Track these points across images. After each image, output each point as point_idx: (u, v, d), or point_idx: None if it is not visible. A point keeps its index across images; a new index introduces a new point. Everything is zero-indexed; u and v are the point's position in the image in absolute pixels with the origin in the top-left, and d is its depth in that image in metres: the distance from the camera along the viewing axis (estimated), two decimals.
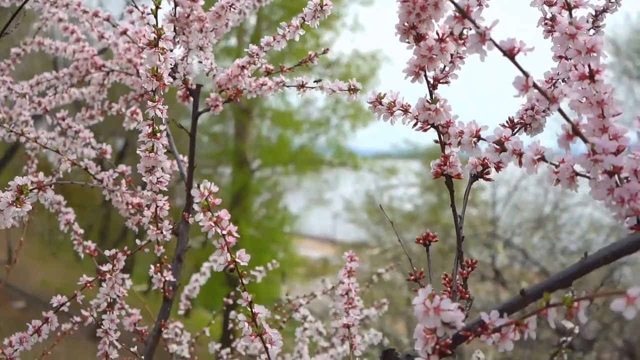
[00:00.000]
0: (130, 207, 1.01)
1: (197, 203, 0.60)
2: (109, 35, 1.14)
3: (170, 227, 0.90)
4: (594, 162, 0.50)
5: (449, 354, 0.56)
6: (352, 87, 0.83)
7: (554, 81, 0.68)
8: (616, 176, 0.52)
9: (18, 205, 0.67)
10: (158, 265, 0.95)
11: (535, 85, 0.50)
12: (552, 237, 6.82)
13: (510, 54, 0.50)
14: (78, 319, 1.16)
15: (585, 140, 0.51)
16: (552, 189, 7.79)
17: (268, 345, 0.64)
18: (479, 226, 7.48)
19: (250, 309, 0.64)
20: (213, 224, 0.61)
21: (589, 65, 0.53)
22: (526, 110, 0.68)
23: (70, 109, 1.30)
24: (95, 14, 1.09)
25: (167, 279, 0.96)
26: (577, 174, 0.54)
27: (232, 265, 0.63)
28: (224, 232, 0.62)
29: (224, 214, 0.62)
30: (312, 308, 1.63)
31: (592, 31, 0.71)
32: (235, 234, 0.62)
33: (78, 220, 1.12)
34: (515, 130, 0.68)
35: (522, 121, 0.68)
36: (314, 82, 0.92)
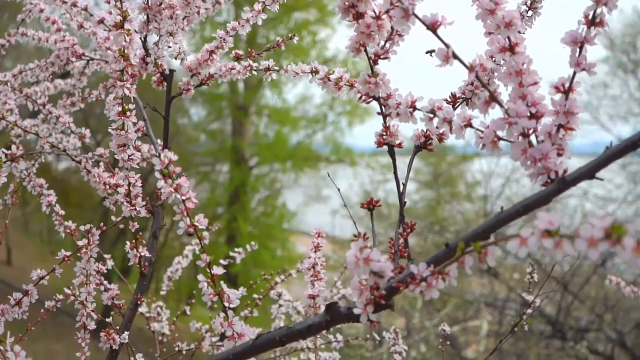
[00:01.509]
0: (107, 187, 1.06)
1: (157, 170, 0.65)
2: (88, 25, 1.18)
3: (144, 203, 0.95)
4: (509, 125, 0.55)
5: (384, 304, 0.61)
6: (314, 69, 0.88)
7: (493, 58, 0.73)
8: (534, 138, 0.57)
9: None
10: (134, 241, 1.00)
11: (454, 56, 0.55)
12: None
13: (432, 27, 0.55)
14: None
15: (501, 106, 0.56)
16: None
17: (226, 304, 0.69)
18: (473, 220, 7.54)
19: (209, 270, 0.69)
20: (173, 190, 0.66)
21: (508, 38, 0.58)
22: (467, 85, 0.73)
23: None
24: (74, 4, 1.14)
25: (142, 254, 1.01)
26: (500, 138, 0.59)
27: (191, 229, 0.68)
28: (184, 197, 0.67)
29: (184, 181, 0.67)
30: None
31: (530, 12, 0.76)
32: (195, 200, 0.67)
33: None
34: (457, 104, 0.73)
35: (463, 96, 0.73)
36: (275, 68, 0.97)
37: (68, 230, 1.09)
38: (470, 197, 9.34)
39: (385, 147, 0.71)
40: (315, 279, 0.97)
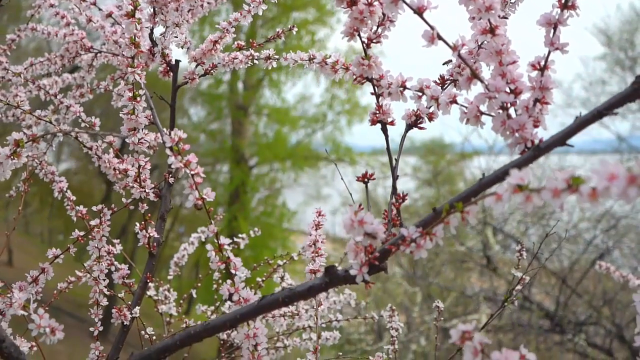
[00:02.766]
0: (117, 172, 1.12)
1: (168, 148, 0.71)
2: (96, 18, 1.24)
3: (153, 185, 1.01)
4: (490, 99, 0.61)
5: (379, 266, 0.66)
6: (311, 56, 0.93)
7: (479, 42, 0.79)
8: (512, 111, 0.63)
9: (15, 157, 0.77)
10: (143, 222, 1.06)
11: (439, 37, 0.61)
12: (545, 225, 6.94)
13: (419, 11, 0.61)
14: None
15: (482, 82, 0.62)
16: (545, 179, 7.90)
17: (233, 271, 0.75)
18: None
19: (217, 240, 0.75)
20: (183, 165, 0.72)
21: (489, 21, 0.64)
22: (454, 67, 0.78)
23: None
24: None
25: (151, 235, 1.07)
26: (482, 112, 0.65)
27: (199, 202, 0.73)
28: (193, 172, 0.72)
29: (192, 157, 0.73)
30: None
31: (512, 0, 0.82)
32: (202, 175, 0.73)
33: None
34: (446, 85, 0.79)
35: (451, 77, 0.78)
36: (276, 56, 1.02)
37: (80, 215, 1.15)
38: None
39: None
40: (316, 255, 1.02)
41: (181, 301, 1.52)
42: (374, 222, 0.61)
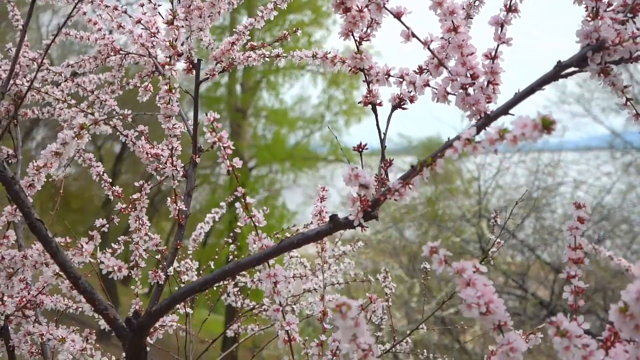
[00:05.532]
0: (149, 156, 1.31)
1: (205, 125, 0.90)
2: (125, 24, 1.43)
3: (183, 165, 1.20)
4: (452, 82, 0.81)
5: (371, 213, 0.85)
6: (314, 54, 1.13)
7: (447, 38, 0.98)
8: (471, 90, 0.82)
9: (79, 138, 0.97)
10: (174, 197, 1.25)
11: (413, 35, 0.80)
12: (539, 217, 7.16)
13: (398, 16, 0.80)
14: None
15: (446, 68, 0.81)
16: (540, 174, 8.15)
17: (256, 224, 0.94)
18: (469, 212, 7.81)
19: (244, 200, 0.94)
20: (217, 140, 0.91)
21: (452, 22, 0.83)
22: (429, 59, 0.97)
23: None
24: (115, 8, 1.39)
25: (180, 208, 1.26)
26: (448, 92, 0.84)
27: (230, 168, 0.93)
28: (225, 145, 0.92)
29: (224, 134, 0.92)
30: None
31: (477, 2, 1.01)
32: (232, 147, 0.92)
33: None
34: (423, 73, 0.98)
35: (427, 67, 0.97)
36: (284, 55, 1.22)
37: (116, 194, 1.34)
38: (468, 192, 9.61)
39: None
40: (322, 222, 1.21)
41: (201, 271, 1.71)
42: (367, 176, 0.80)
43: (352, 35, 0.89)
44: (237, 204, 0.94)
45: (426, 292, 6.33)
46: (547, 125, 0.57)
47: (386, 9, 0.80)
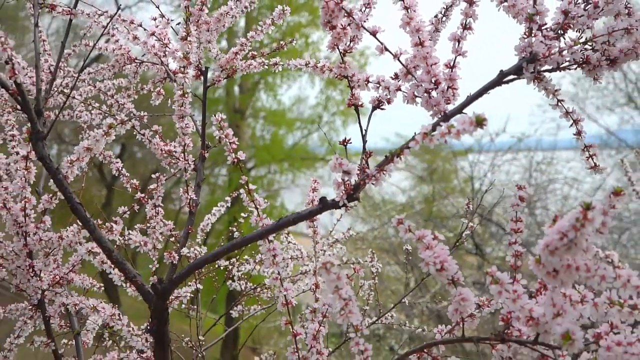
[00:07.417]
0: (163, 152, 1.49)
1: (214, 124, 1.08)
2: (139, 35, 1.61)
3: (194, 159, 1.38)
4: (418, 87, 0.99)
5: (353, 196, 1.04)
6: (307, 62, 1.31)
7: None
8: (434, 93, 1.01)
9: (107, 135, 1.15)
10: (185, 187, 1.43)
11: (385, 49, 0.98)
12: (532, 213, 7.35)
13: (373, 33, 0.99)
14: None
15: (413, 76, 0.99)
16: (533, 172, 8.36)
17: (258, 205, 1.12)
18: (462, 209, 8.01)
19: (247, 187, 1.12)
20: (224, 137, 1.09)
21: (418, 37, 1.01)
22: (401, 68, 1.16)
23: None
24: (131, 22, 1.57)
25: (192, 197, 1.44)
26: (415, 95, 1.02)
27: (235, 160, 1.11)
28: (230, 140, 1.10)
29: (230, 131, 1.10)
30: None
31: (444, 18, 1.19)
32: (236, 142, 1.10)
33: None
34: (398, 79, 1.16)
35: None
36: (281, 63, 1.41)
37: (134, 186, 1.52)
38: (464, 191, 9.80)
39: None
40: None
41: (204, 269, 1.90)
42: (349, 164, 0.98)
43: (338, 48, 1.07)
44: (242, 190, 1.12)
45: (422, 287, 6.52)
46: (479, 122, 0.76)
47: (364, 27, 0.98)
